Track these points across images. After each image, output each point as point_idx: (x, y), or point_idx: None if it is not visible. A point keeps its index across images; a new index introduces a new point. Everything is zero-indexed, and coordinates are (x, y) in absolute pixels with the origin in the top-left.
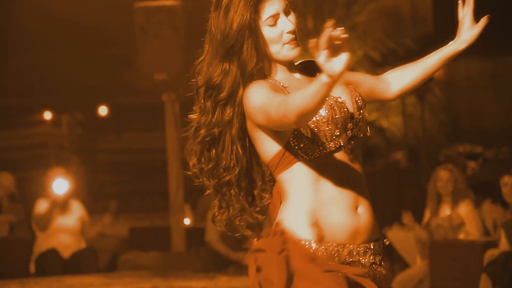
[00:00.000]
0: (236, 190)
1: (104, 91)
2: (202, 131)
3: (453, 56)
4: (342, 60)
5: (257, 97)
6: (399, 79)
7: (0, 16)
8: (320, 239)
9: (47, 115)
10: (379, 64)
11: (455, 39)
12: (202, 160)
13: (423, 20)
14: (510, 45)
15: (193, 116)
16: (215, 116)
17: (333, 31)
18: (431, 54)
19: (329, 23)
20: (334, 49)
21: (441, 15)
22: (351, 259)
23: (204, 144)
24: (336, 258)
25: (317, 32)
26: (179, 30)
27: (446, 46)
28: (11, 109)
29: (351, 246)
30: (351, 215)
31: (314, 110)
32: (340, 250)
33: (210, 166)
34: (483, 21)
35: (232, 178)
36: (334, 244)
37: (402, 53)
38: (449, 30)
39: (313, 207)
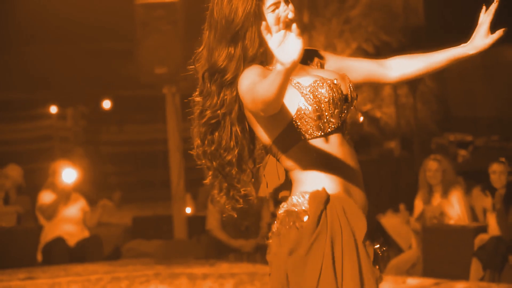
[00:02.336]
0: (238, 170)
1: (107, 85)
2: (208, 113)
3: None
4: (295, 47)
5: (245, 81)
6: (403, 66)
7: (5, 13)
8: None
9: (53, 109)
10: (372, 56)
11: (467, 43)
12: (206, 142)
13: (415, 14)
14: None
15: (197, 99)
16: (220, 99)
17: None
18: (440, 51)
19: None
20: (285, 33)
21: (432, 9)
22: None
23: (208, 127)
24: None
25: (312, 25)
26: (178, 25)
27: (456, 47)
28: (18, 103)
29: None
30: (362, 194)
31: (276, 99)
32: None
33: (212, 148)
34: (499, 33)
35: (232, 158)
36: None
37: (395, 45)
38: (440, 23)
39: (337, 178)
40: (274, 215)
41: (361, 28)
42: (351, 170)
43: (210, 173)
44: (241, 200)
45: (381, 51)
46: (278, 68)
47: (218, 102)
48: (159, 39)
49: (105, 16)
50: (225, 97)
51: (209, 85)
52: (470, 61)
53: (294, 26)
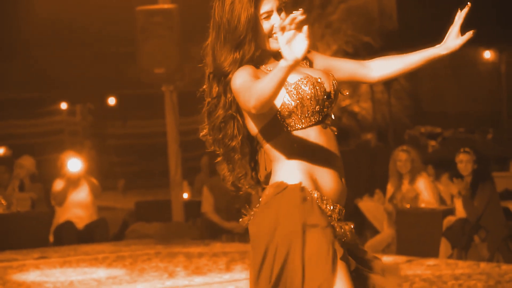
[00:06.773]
0: (240, 155)
1: (112, 84)
2: (220, 112)
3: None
4: (301, 47)
5: (237, 80)
6: (383, 67)
7: (21, 22)
8: (317, 189)
9: (63, 106)
10: (351, 56)
11: (440, 44)
12: (213, 131)
13: (389, 18)
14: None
15: (208, 99)
16: (228, 98)
17: (294, 15)
18: (416, 52)
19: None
20: (294, 33)
21: (405, 14)
22: (332, 215)
23: (217, 121)
24: (324, 206)
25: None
26: (175, 30)
27: (430, 48)
28: (32, 101)
29: (337, 204)
30: (339, 182)
31: (272, 95)
32: (329, 205)
33: (220, 136)
34: (468, 35)
35: (236, 145)
36: (326, 197)
37: (371, 46)
38: (411, 27)
39: (308, 169)
40: None
41: (340, 31)
42: (330, 160)
43: (220, 157)
44: (246, 180)
45: (360, 52)
46: (281, 64)
47: (227, 102)
48: (158, 42)
49: (108, 23)
50: (230, 96)
51: (216, 87)
52: (440, 61)
53: (305, 28)
